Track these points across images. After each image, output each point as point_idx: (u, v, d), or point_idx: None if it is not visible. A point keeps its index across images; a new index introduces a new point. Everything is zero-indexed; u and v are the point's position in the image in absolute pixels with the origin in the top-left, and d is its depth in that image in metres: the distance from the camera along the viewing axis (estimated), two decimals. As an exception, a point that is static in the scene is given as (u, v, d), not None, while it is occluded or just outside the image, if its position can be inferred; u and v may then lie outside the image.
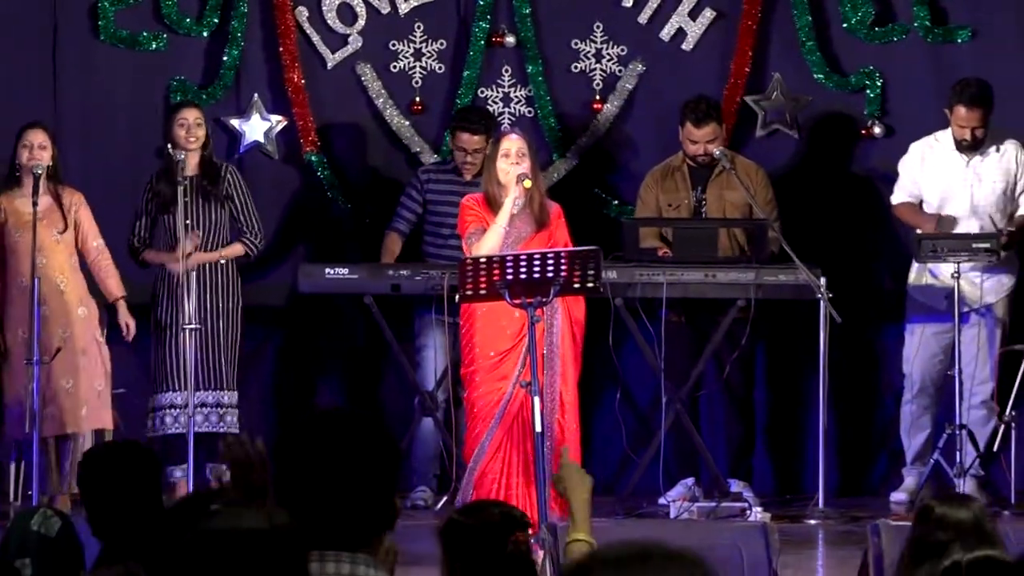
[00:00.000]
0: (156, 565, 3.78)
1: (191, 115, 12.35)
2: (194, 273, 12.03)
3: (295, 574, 3.82)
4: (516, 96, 13.53)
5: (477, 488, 10.63)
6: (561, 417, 10.79)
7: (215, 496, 4.74)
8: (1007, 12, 13.45)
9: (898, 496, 12.45)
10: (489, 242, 10.66)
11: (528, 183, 10.76)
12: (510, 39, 13.52)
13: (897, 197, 12.75)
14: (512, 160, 10.79)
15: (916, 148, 12.75)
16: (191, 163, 12.26)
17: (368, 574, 4.61)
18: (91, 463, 7.24)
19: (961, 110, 12.43)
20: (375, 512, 4.66)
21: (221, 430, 12.07)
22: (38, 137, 12.05)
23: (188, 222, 12.17)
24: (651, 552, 2.40)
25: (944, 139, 12.63)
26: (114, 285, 12.19)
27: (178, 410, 12.19)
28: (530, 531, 10.30)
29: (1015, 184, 12.60)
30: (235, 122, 13.35)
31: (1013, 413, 12.36)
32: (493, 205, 10.89)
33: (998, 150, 12.61)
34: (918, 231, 12.48)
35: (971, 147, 12.48)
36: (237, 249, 12.37)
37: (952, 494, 8.40)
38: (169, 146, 12.25)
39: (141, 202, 12.31)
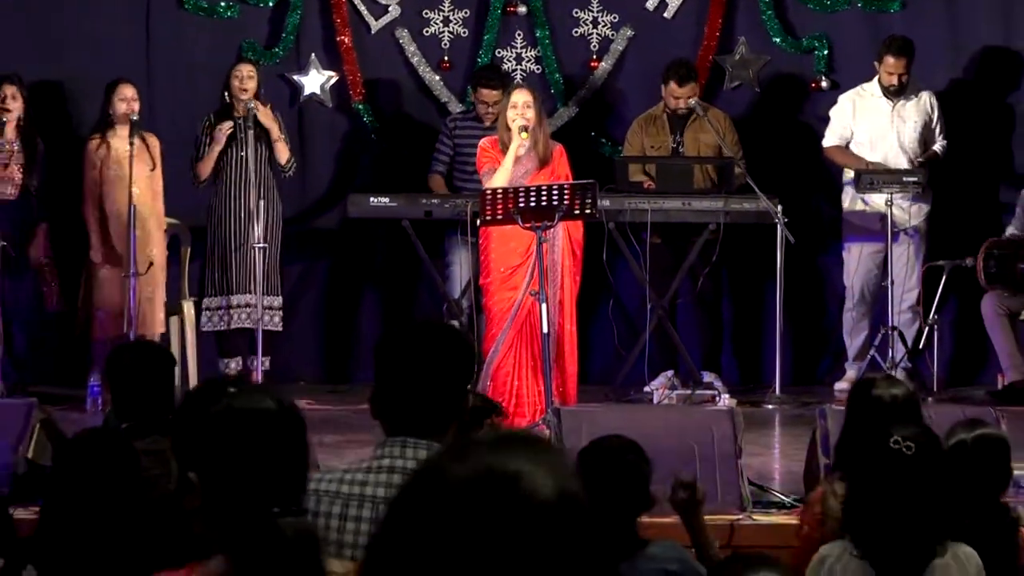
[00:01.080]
0: (181, 439, 3.78)
1: (244, 69, 12.36)
2: (262, 202, 12.00)
3: (298, 446, 3.79)
4: (527, 56, 13.52)
5: (493, 379, 10.61)
6: (562, 321, 10.77)
7: (232, 382, 4.72)
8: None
9: (841, 385, 12.42)
10: (498, 179, 10.65)
11: (525, 135, 10.77)
12: (522, 9, 13.51)
13: (828, 140, 12.80)
14: (519, 111, 10.78)
15: (846, 97, 12.82)
16: (240, 108, 12.25)
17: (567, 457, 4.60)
18: (119, 357, 7.21)
19: (890, 59, 12.52)
20: (454, 405, 4.66)
21: (272, 328, 12.15)
22: (130, 90, 12.01)
23: (242, 153, 12.20)
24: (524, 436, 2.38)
25: (871, 88, 12.67)
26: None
27: (239, 310, 12.26)
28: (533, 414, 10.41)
29: (931, 124, 12.60)
30: (296, 77, 13.35)
31: (935, 316, 12.39)
32: (504, 148, 10.88)
33: (917, 96, 12.63)
34: (855, 168, 12.51)
35: (897, 92, 12.52)
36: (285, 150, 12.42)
37: (886, 377, 8.36)
38: (226, 93, 12.28)
39: (200, 135, 12.31)
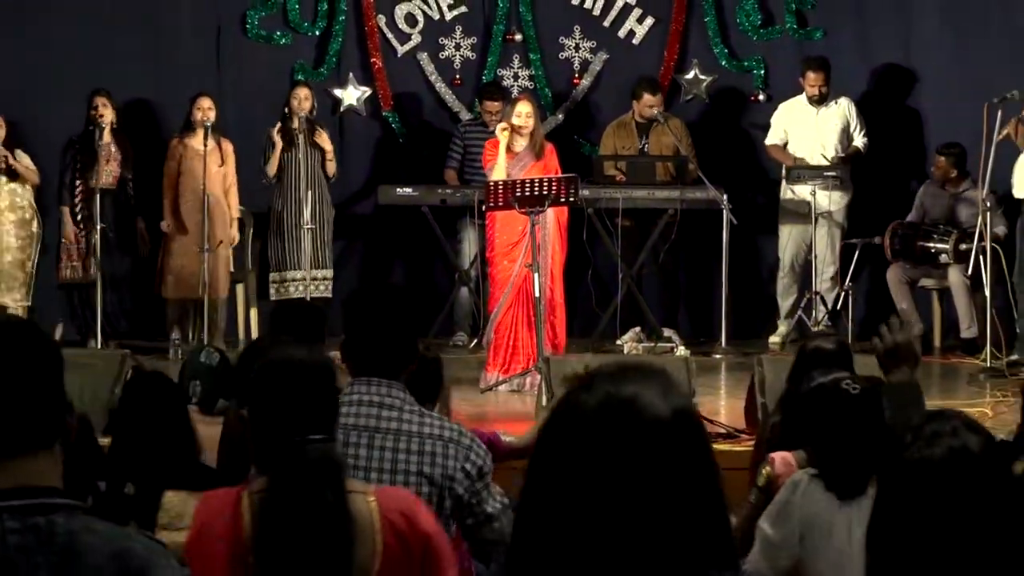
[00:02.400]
0: (240, 383, 3.77)
1: (302, 92, 12.25)
2: (310, 192, 11.98)
3: (331, 392, 3.77)
4: (522, 75, 13.46)
5: (496, 333, 10.56)
6: (551, 286, 10.71)
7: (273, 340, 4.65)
8: (846, 19, 13.33)
9: (774, 339, 12.43)
10: (496, 173, 10.60)
11: (504, 134, 10.70)
12: (518, 37, 13.47)
13: (769, 140, 12.79)
14: (521, 119, 10.75)
15: (783, 107, 12.79)
16: (297, 121, 12.14)
17: (400, 395, 4.52)
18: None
19: (811, 74, 12.53)
20: (407, 353, 4.60)
21: (323, 295, 12.02)
22: (207, 102, 12.00)
23: (297, 155, 12.09)
24: (636, 365, 2.33)
25: (801, 100, 12.63)
26: (235, 207, 12.23)
27: (294, 283, 12.14)
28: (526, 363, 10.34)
29: (849, 127, 12.51)
30: (337, 91, 13.24)
31: (850, 284, 12.34)
32: (506, 144, 10.84)
33: (837, 103, 12.55)
34: (786, 163, 12.48)
35: (819, 101, 12.48)
36: (333, 166, 12.36)
37: (823, 334, 8.33)
38: (286, 109, 12.17)
39: (265, 144, 12.18)
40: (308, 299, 11.71)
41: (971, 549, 2.90)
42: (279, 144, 12.07)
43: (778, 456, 6.08)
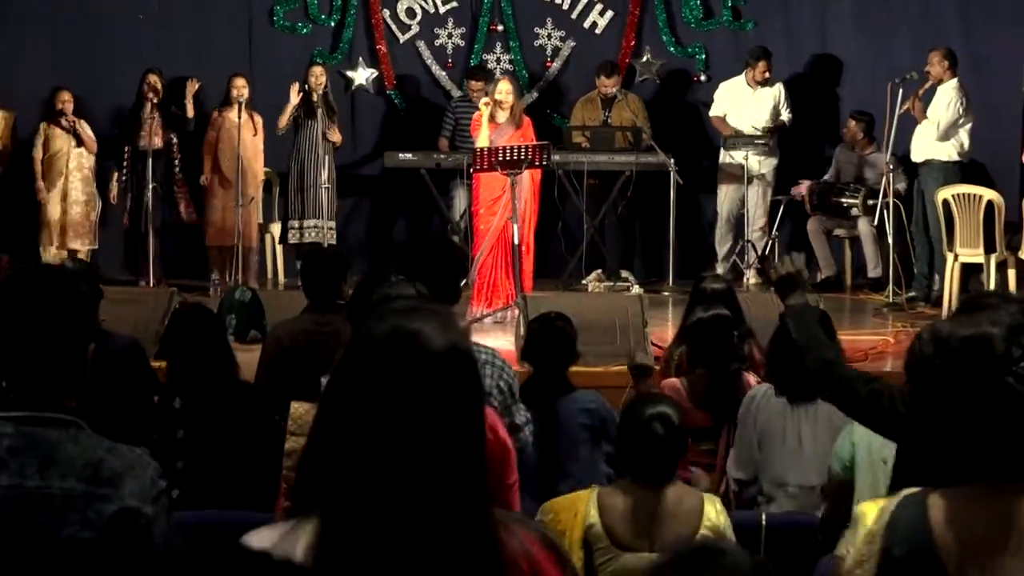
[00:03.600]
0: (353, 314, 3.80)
1: (317, 70, 12.17)
2: (327, 157, 11.97)
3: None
4: (504, 59, 13.37)
5: (479, 274, 10.55)
6: (526, 234, 10.70)
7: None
8: (773, 13, 13.29)
9: (702, 275, 12.39)
10: (481, 140, 10.60)
11: (486, 108, 10.78)
12: (500, 27, 13.38)
13: (713, 112, 12.68)
14: (502, 96, 10.75)
15: (723, 85, 12.68)
16: (314, 95, 12.05)
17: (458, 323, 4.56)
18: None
19: (759, 63, 12.41)
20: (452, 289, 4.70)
21: (329, 241, 11.96)
22: (241, 81, 12.02)
23: (315, 125, 12.00)
24: (423, 306, 2.35)
25: (739, 80, 12.55)
26: (260, 170, 12.24)
27: (309, 229, 12.05)
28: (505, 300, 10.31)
29: (778, 105, 12.47)
30: (349, 73, 13.18)
31: (776, 233, 12.34)
32: (489, 117, 10.81)
33: (771, 86, 12.48)
34: (724, 132, 12.44)
35: (755, 84, 12.42)
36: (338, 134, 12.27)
37: (712, 275, 8.35)
38: (306, 86, 12.07)
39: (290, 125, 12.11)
40: (325, 244, 11.72)
41: None
42: (293, 101, 11.97)
43: (667, 383, 6.14)
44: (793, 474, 5.29)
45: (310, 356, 5.74)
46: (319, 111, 12.00)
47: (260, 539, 2.17)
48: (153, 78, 11.97)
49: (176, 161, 12.19)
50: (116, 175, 12.03)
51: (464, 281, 11.83)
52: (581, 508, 4.28)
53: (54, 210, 11.91)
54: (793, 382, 5.20)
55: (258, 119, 12.08)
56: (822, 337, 3.86)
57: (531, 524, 2.40)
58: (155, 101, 11.93)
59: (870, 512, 2.52)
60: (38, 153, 11.99)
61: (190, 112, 12.15)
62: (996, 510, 2.40)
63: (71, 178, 11.95)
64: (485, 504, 2.19)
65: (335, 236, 12.14)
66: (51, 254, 11.83)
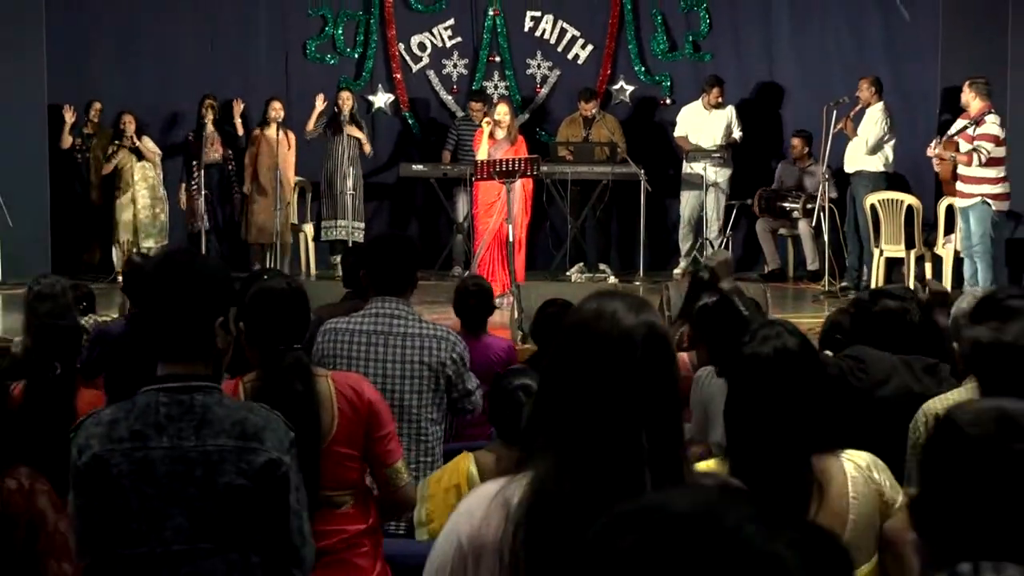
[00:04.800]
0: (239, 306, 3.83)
1: (344, 95, 12.16)
2: (351, 167, 11.93)
3: (303, 312, 3.75)
4: (500, 86, 13.31)
5: (479, 267, 10.54)
6: (519, 233, 10.67)
7: (267, 271, 4.61)
8: (727, 47, 13.22)
9: (676, 271, 12.33)
10: (480, 155, 10.61)
11: (486, 127, 10.85)
12: (497, 59, 13.32)
13: (676, 132, 12.59)
14: (501, 116, 10.77)
15: (685, 109, 12.61)
16: (344, 119, 12.02)
17: (405, 308, 4.51)
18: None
19: (713, 89, 12.36)
20: (410, 278, 4.60)
21: (358, 239, 11.89)
22: (278, 104, 12.00)
23: (342, 140, 12.00)
24: (611, 290, 2.26)
25: (698, 104, 12.49)
26: (292, 179, 12.20)
27: (338, 228, 12.05)
28: (503, 287, 10.27)
29: (731, 124, 12.40)
30: (370, 97, 13.12)
31: (730, 232, 12.31)
32: (489, 133, 10.80)
33: (725, 108, 12.42)
34: (687, 148, 12.40)
35: (715, 107, 12.38)
36: (367, 148, 12.24)
37: (704, 265, 8.29)
38: (334, 108, 12.05)
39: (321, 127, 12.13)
40: (350, 242, 11.69)
41: (791, 421, 2.84)
42: (319, 108, 11.99)
43: (684, 357, 6.06)
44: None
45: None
46: (345, 129, 11.96)
47: (483, 491, 2.16)
48: (210, 101, 12.00)
49: (231, 172, 12.22)
50: (184, 185, 12.04)
51: (466, 272, 11.98)
52: (463, 465, 4.25)
53: (125, 215, 11.91)
54: (729, 362, 5.20)
55: (292, 136, 12.02)
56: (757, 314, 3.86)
57: (717, 478, 2.33)
58: (212, 121, 11.95)
59: None
60: (107, 167, 12.03)
61: (240, 130, 12.14)
62: None
63: (137, 187, 11.95)
64: (679, 450, 2.15)
65: (362, 234, 12.10)
66: (123, 251, 11.84)
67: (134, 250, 11.49)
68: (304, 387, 3.53)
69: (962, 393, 3.92)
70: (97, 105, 12.24)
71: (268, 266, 11.66)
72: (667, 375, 2.14)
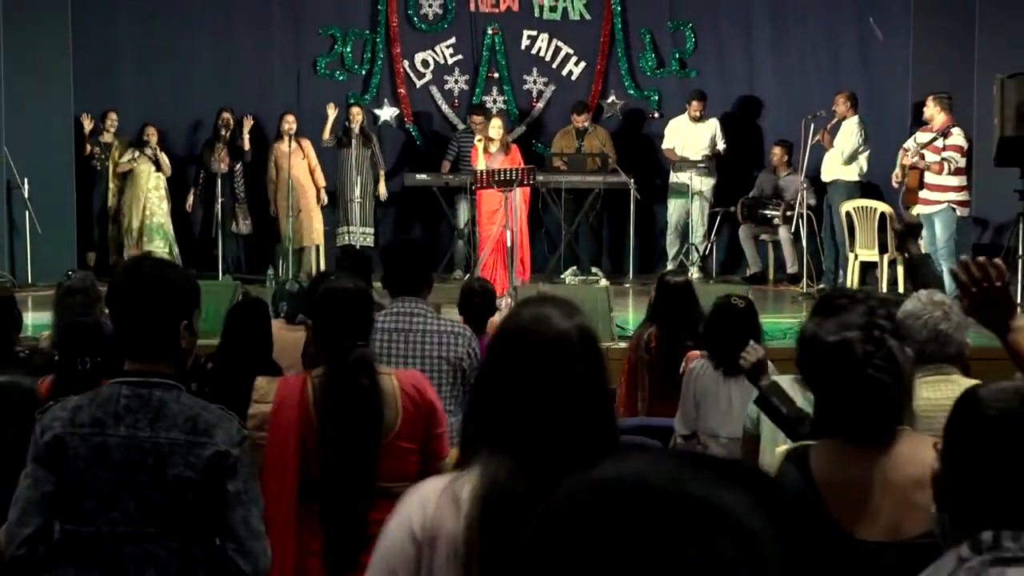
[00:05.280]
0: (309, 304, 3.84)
1: (354, 110, 12.15)
2: (359, 177, 11.93)
3: (368, 311, 3.72)
4: (498, 100, 13.29)
5: (482, 271, 10.57)
6: (521, 240, 10.70)
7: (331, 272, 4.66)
8: (711, 64, 13.23)
9: (664, 272, 12.34)
10: (479, 164, 10.60)
11: (480, 144, 10.95)
12: (496, 75, 13.31)
13: (664, 144, 12.59)
14: (495, 132, 10.85)
15: (672, 122, 12.62)
16: (354, 132, 12.03)
17: (423, 307, 4.54)
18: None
19: (694, 102, 12.34)
20: (426, 280, 4.62)
21: (368, 244, 11.93)
22: (292, 117, 11.97)
23: (352, 152, 11.98)
24: (548, 296, 2.28)
25: (684, 118, 12.49)
26: (320, 179, 12.15)
27: (350, 233, 12.06)
28: (503, 289, 10.30)
29: (715, 137, 12.41)
30: (376, 111, 13.07)
31: (714, 238, 12.34)
32: (484, 149, 10.83)
33: (707, 121, 12.43)
34: (674, 159, 12.40)
35: (697, 119, 12.39)
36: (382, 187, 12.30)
37: (672, 271, 8.30)
38: (346, 121, 12.06)
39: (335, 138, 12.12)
40: (358, 247, 11.71)
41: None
42: (331, 116, 11.98)
43: (695, 354, 6.05)
44: (723, 428, 5.31)
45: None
46: (355, 141, 11.98)
47: (432, 486, 2.15)
48: (226, 115, 12.00)
49: (238, 183, 12.17)
50: (192, 191, 12.04)
51: (467, 276, 11.98)
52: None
53: (135, 220, 11.92)
54: (728, 358, 5.20)
55: (306, 144, 12.00)
56: (797, 409, 3.90)
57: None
58: (226, 134, 11.95)
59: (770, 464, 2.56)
60: (123, 167, 12.06)
61: (246, 146, 12.11)
62: (864, 461, 2.45)
63: (150, 195, 11.96)
64: (616, 437, 2.18)
65: (370, 239, 12.13)
66: (130, 253, 11.86)
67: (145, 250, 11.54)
68: (369, 382, 3.55)
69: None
70: (113, 115, 12.22)
71: (279, 270, 11.68)
72: (598, 373, 2.16)
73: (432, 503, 2.11)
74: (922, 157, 10.18)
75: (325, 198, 12.21)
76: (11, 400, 4.05)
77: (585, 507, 0.92)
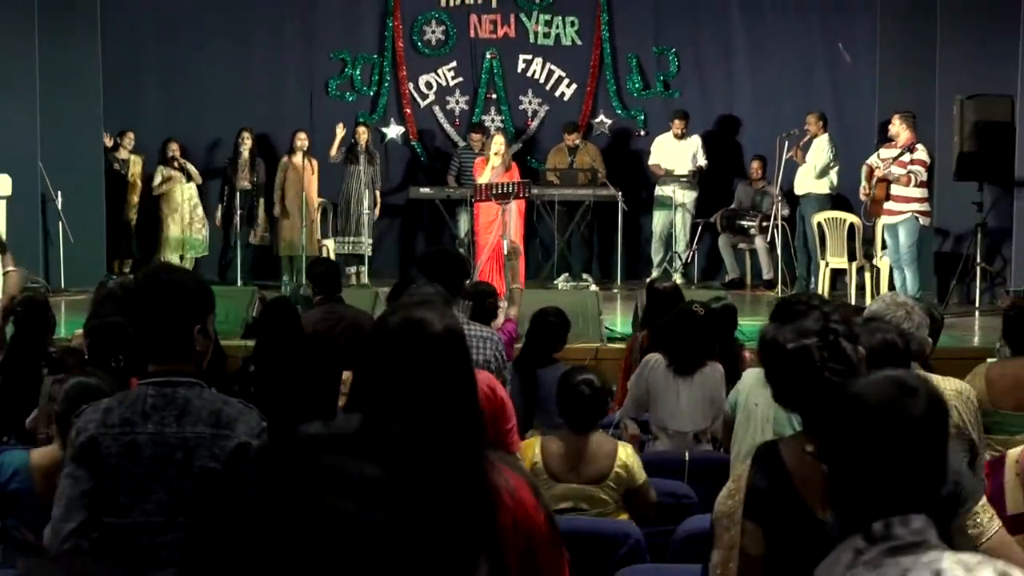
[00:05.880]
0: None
1: (361, 129, 12.11)
2: (367, 190, 11.93)
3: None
4: (496, 119, 13.27)
5: (480, 276, 10.56)
6: (517, 246, 10.69)
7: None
8: (694, 85, 13.22)
9: (648, 280, 12.36)
10: (483, 178, 10.62)
11: (493, 159, 10.79)
12: (494, 96, 13.30)
13: (651, 160, 12.55)
14: (497, 148, 10.82)
15: (657, 139, 12.58)
16: (362, 147, 12.00)
17: (461, 316, 4.58)
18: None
19: (677, 121, 12.33)
20: (459, 285, 4.65)
21: (368, 252, 11.95)
22: (304, 135, 11.96)
23: (359, 168, 11.91)
24: (418, 300, 2.29)
25: (668, 136, 12.47)
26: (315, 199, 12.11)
27: (353, 244, 12.06)
28: (499, 294, 10.28)
29: (697, 153, 12.41)
30: (383, 129, 13.06)
31: (696, 246, 12.34)
32: (485, 160, 10.84)
33: (690, 138, 12.42)
34: (659, 173, 12.40)
35: (680, 137, 12.40)
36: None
37: (660, 278, 8.32)
38: (353, 139, 12.05)
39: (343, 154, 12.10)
40: (364, 255, 11.70)
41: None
42: (339, 135, 11.93)
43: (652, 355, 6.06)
44: (672, 422, 5.36)
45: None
46: (361, 158, 11.96)
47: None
48: (246, 133, 11.99)
49: (257, 198, 12.16)
50: (221, 206, 12.06)
51: (467, 281, 12.01)
52: (528, 452, 4.29)
53: (175, 228, 11.96)
54: (681, 359, 5.26)
55: (315, 162, 11.98)
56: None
57: (514, 463, 2.37)
58: (248, 150, 11.96)
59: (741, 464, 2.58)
60: (159, 190, 12.07)
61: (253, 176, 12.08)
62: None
63: (185, 205, 11.96)
64: (479, 447, 2.13)
65: (371, 248, 12.13)
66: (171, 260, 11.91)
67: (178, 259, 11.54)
68: None
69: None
70: (130, 135, 12.22)
71: (293, 276, 11.68)
72: (467, 368, 2.14)
73: None
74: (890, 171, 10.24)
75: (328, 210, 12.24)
76: (88, 400, 4.08)
77: (262, 463, 1.05)
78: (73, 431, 2.83)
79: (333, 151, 12.07)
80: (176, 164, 11.95)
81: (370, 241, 12.13)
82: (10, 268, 6.05)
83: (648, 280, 7.43)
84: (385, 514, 1.01)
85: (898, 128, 10.24)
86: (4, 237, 7.07)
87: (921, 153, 10.14)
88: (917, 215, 10.08)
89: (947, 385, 3.96)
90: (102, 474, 2.76)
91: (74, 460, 2.80)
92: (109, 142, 12.07)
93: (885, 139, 10.86)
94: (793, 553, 2.37)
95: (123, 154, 12.18)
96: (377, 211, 12.21)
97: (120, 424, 2.78)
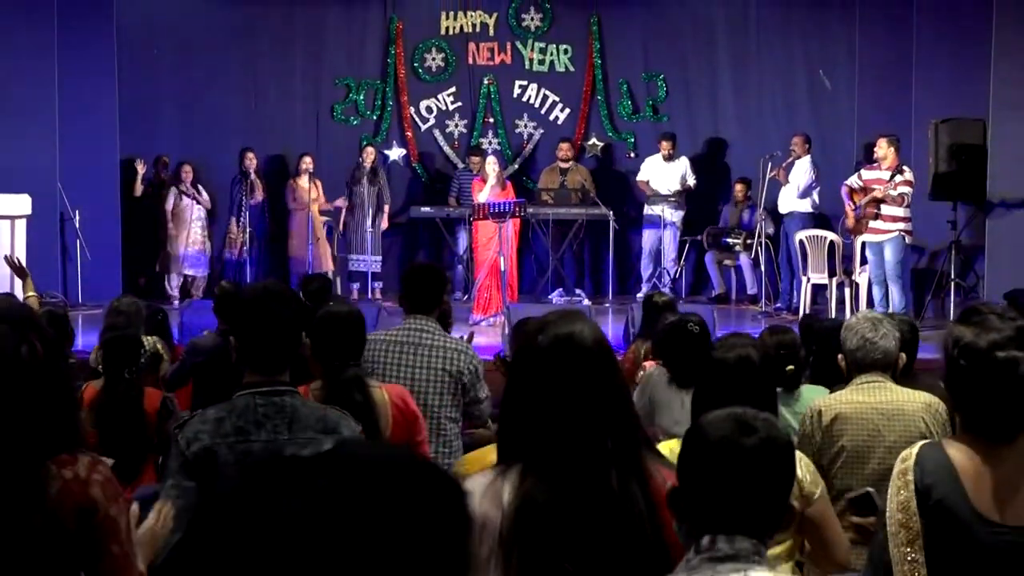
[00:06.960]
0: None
1: (368, 150, 12.15)
2: (371, 208, 11.92)
3: (360, 334, 3.74)
4: (493, 142, 13.28)
5: (478, 293, 10.60)
6: (511, 264, 10.69)
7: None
8: (681, 109, 13.23)
9: (639, 295, 12.26)
10: (481, 198, 10.63)
11: (490, 177, 10.82)
12: (492, 120, 13.31)
13: (640, 178, 12.54)
14: (491, 168, 10.80)
15: (647, 160, 12.58)
16: (366, 169, 12.01)
17: (432, 325, 4.51)
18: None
19: (665, 143, 12.33)
20: (437, 301, 4.56)
21: (376, 270, 11.91)
22: (309, 158, 11.98)
23: (363, 188, 11.94)
24: (567, 311, 2.27)
25: (657, 157, 12.47)
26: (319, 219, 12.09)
27: (359, 261, 12.04)
28: (496, 309, 10.25)
29: (685, 173, 12.41)
30: (386, 151, 12.99)
31: (683, 263, 12.34)
32: (483, 181, 10.84)
33: (678, 159, 12.43)
34: (648, 192, 12.40)
35: (668, 158, 12.40)
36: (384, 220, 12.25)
37: (657, 292, 8.27)
38: (359, 159, 12.05)
39: (348, 178, 12.09)
40: (369, 273, 11.70)
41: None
42: (343, 206, 12.02)
43: (649, 363, 6.03)
44: (677, 429, 5.25)
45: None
46: (365, 178, 11.96)
47: (473, 483, 2.12)
48: (250, 154, 11.99)
49: (263, 215, 12.17)
50: (234, 219, 12.05)
51: (466, 296, 11.99)
52: (665, 451, 4.24)
53: (179, 248, 11.91)
54: (681, 373, 5.22)
55: (319, 184, 11.99)
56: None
57: (664, 459, 2.30)
58: (254, 170, 11.96)
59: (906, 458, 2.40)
60: (169, 207, 12.02)
61: (260, 194, 12.08)
62: (997, 456, 2.32)
63: (192, 226, 11.94)
64: (637, 445, 2.16)
65: (379, 266, 12.13)
66: (174, 280, 11.87)
67: (223, 281, 11.53)
68: (362, 397, 3.58)
69: (847, 392, 3.97)
70: (165, 159, 12.25)
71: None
72: (619, 382, 2.14)
73: (478, 494, 2.10)
74: (864, 194, 10.21)
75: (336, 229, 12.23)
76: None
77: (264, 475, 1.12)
78: (182, 441, 2.77)
79: (338, 202, 12.07)
80: (186, 188, 11.93)
81: (379, 259, 12.13)
82: (31, 294, 6.05)
83: (646, 294, 7.41)
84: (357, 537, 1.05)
85: (885, 150, 10.20)
86: (25, 262, 7.06)
87: (909, 175, 10.11)
88: (903, 233, 10.06)
89: (917, 398, 3.90)
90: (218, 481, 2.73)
91: (182, 471, 2.75)
92: (142, 168, 12.06)
93: (865, 160, 10.86)
94: (957, 556, 2.29)
95: (159, 177, 12.18)
96: (384, 221, 12.20)
97: (234, 433, 2.76)
